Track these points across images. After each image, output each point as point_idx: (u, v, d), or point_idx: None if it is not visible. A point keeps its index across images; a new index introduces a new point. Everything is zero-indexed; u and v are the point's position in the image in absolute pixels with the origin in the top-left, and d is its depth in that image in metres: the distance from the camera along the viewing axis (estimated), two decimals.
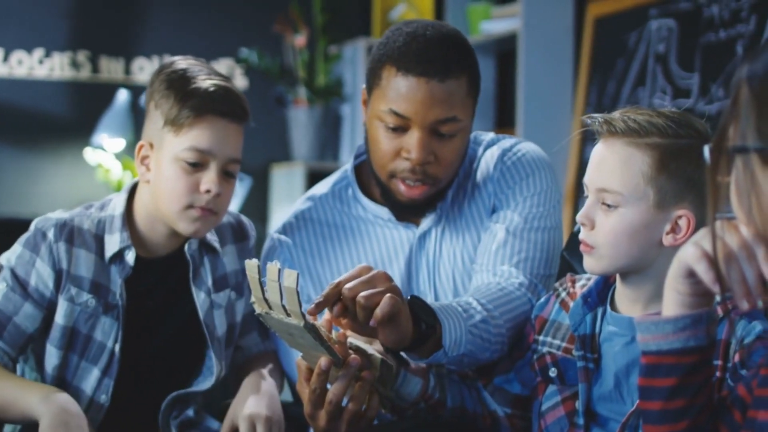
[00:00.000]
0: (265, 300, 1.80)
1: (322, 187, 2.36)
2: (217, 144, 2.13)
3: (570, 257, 2.23)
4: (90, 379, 2.16)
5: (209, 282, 2.23)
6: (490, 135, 2.33)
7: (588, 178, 1.89)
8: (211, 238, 2.26)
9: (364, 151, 2.33)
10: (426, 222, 2.25)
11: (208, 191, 2.12)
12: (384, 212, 2.27)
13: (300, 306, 1.77)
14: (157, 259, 2.21)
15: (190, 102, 2.11)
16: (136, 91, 4.82)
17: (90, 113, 4.77)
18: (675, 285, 1.43)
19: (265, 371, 2.23)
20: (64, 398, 2.03)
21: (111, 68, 4.92)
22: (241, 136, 2.18)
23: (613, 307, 1.92)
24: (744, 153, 1.32)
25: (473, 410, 2.08)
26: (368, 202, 2.29)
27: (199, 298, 2.21)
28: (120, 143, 4.68)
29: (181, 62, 2.18)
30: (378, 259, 2.26)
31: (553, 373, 1.97)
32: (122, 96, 4.73)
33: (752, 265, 1.33)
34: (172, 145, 2.13)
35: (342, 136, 5.15)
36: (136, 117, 4.74)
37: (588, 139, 4.30)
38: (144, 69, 4.94)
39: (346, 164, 2.36)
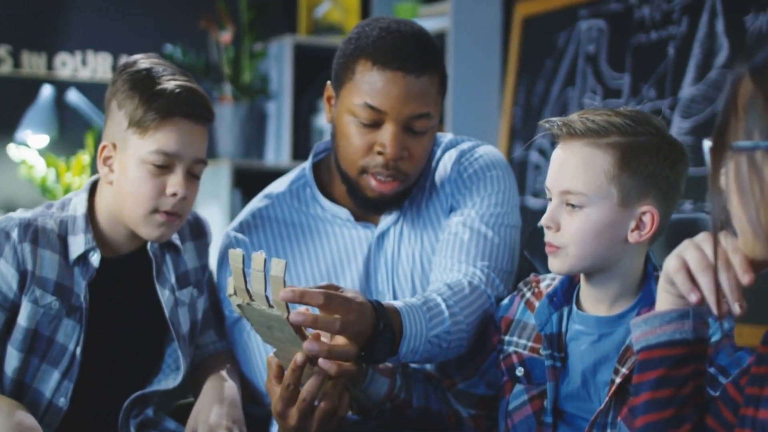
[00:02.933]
0: (247, 291, 1.79)
1: (280, 185, 2.34)
2: (184, 146, 2.10)
3: (531, 256, 2.25)
4: (50, 382, 2.12)
5: (172, 279, 2.21)
6: (449, 136, 2.33)
7: (550, 181, 1.91)
8: (173, 236, 2.23)
9: (323, 150, 2.32)
10: (384, 222, 2.25)
11: (174, 194, 2.10)
12: (343, 212, 2.26)
13: None
14: (119, 259, 2.18)
15: (156, 103, 2.07)
16: (59, 86, 4.75)
17: (12, 109, 4.66)
18: (665, 287, 1.49)
19: (225, 374, 2.21)
20: (19, 412, 2.00)
21: (33, 63, 4.82)
22: (206, 137, 2.15)
23: (579, 306, 1.94)
24: (749, 150, 1.28)
25: (438, 410, 2.09)
26: (326, 201, 2.28)
27: (164, 295, 2.19)
28: (44, 139, 4.60)
29: (144, 61, 2.14)
30: (336, 258, 2.25)
31: (519, 372, 1.99)
32: (46, 92, 4.64)
33: (729, 274, 1.35)
34: (137, 147, 2.09)
35: (267, 133, 5.12)
36: (60, 113, 4.66)
37: (516, 138, 4.34)
38: (66, 64, 4.85)
39: (305, 162, 2.35)
